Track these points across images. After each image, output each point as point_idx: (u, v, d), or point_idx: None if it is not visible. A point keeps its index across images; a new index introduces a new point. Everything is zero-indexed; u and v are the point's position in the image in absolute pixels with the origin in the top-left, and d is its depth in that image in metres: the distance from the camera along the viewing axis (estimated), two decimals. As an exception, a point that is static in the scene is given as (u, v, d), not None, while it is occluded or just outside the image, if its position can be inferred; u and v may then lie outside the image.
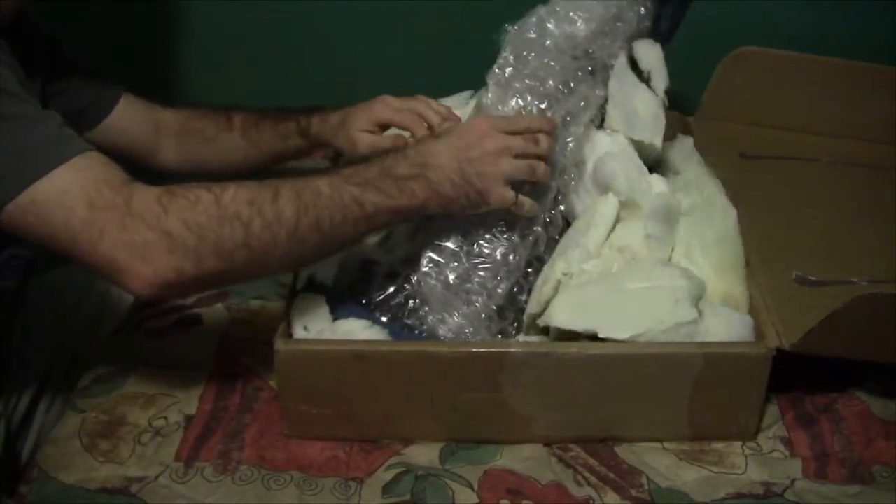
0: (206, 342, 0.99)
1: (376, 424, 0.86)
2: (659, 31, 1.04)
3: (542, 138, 0.86)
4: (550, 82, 0.93)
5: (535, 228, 0.90)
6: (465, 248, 0.89)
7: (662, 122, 0.98)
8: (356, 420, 0.85)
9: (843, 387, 0.91)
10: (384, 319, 0.90)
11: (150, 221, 0.72)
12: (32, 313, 1.05)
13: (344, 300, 0.91)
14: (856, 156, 1.17)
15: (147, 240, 0.71)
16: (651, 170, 0.96)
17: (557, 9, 0.96)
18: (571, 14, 0.96)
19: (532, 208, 0.87)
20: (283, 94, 1.33)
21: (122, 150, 1.02)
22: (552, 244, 0.92)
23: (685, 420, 0.85)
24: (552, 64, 0.94)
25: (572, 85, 0.94)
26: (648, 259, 0.89)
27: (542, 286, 0.87)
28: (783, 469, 0.83)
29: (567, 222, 0.94)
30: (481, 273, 0.88)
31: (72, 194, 0.72)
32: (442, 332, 0.87)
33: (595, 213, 0.91)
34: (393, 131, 1.00)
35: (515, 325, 0.90)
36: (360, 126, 1.00)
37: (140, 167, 1.04)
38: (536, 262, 0.91)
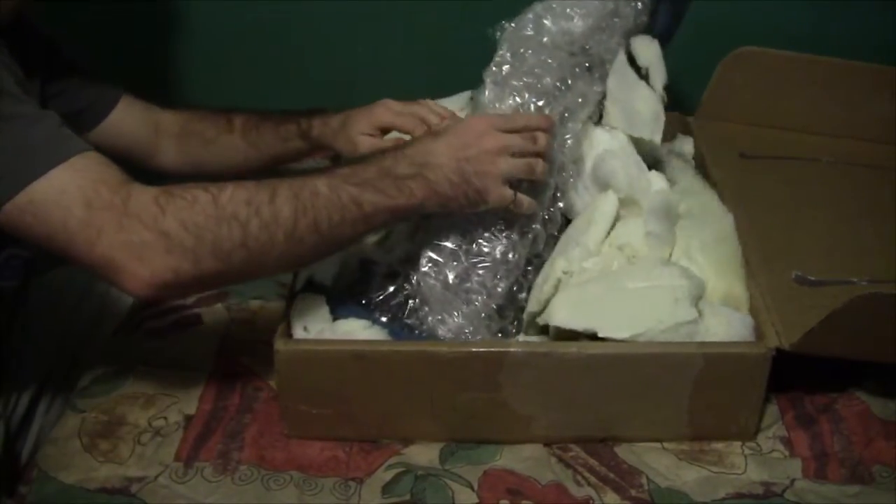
0: (206, 342, 0.99)
1: (376, 424, 0.86)
2: (657, 29, 1.04)
3: (541, 136, 0.86)
4: (548, 79, 0.93)
5: (533, 226, 0.90)
6: (464, 247, 0.89)
7: (662, 119, 0.98)
8: (356, 420, 0.85)
9: (843, 387, 0.91)
10: (384, 319, 0.90)
11: (148, 222, 0.72)
12: (32, 313, 1.05)
13: (344, 300, 0.91)
14: (856, 156, 1.17)
15: (144, 240, 0.71)
16: (649, 167, 0.96)
17: (554, 5, 0.96)
18: (568, 10, 0.96)
19: (531, 206, 0.87)
20: (283, 95, 1.34)
21: (122, 152, 1.02)
22: (551, 241, 0.92)
23: (685, 420, 0.85)
24: (549, 61, 0.93)
25: (570, 82, 0.94)
26: (648, 258, 0.89)
27: (543, 284, 0.87)
28: (783, 469, 0.83)
29: (566, 219, 0.94)
30: (480, 272, 0.88)
31: (70, 194, 0.72)
32: (441, 332, 0.87)
33: (595, 211, 0.91)
34: (394, 135, 1.00)
35: (515, 323, 0.90)
36: (361, 129, 1.00)
37: (140, 168, 1.04)
38: (536, 259, 0.91)
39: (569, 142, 0.92)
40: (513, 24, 0.96)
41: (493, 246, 0.89)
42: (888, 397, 0.90)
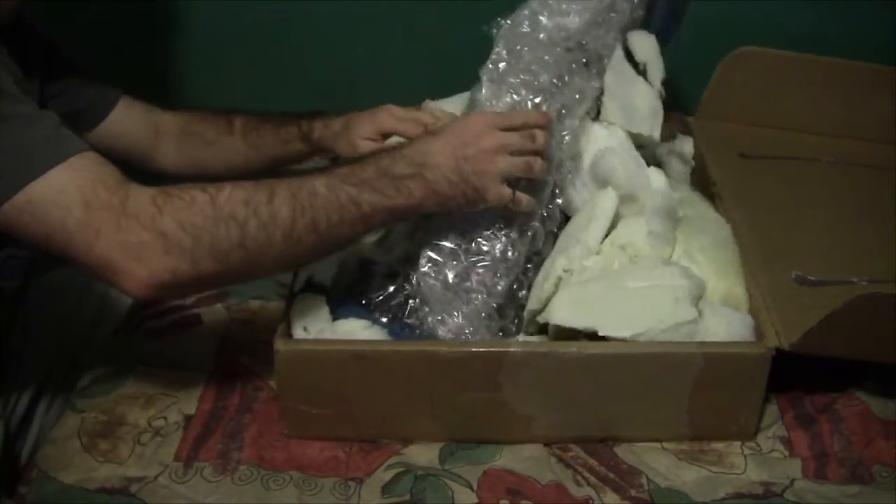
0: (206, 342, 0.99)
1: (376, 424, 0.86)
2: (654, 26, 1.03)
3: (539, 134, 0.86)
4: (544, 76, 0.92)
5: (532, 224, 0.90)
6: (463, 246, 0.89)
7: (660, 114, 0.98)
8: (356, 420, 0.85)
9: (843, 387, 0.91)
10: (384, 320, 0.90)
11: (146, 222, 0.72)
12: (32, 313, 1.05)
13: (343, 300, 0.91)
14: (856, 156, 1.16)
15: (142, 241, 0.71)
16: (648, 164, 0.96)
17: (550, 1, 0.96)
18: (564, 6, 0.96)
19: (529, 204, 0.87)
20: (283, 95, 1.34)
21: (121, 153, 1.02)
22: (550, 238, 0.92)
23: (685, 420, 0.85)
24: (546, 57, 0.93)
25: (566, 78, 0.93)
26: (649, 258, 0.89)
27: (543, 283, 0.87)
28: (783, 469, 0.83)
29: (565, 216, 0.94)
30: (480, 271, 0.88)
31: (68, 194, 0.72)
32: (442, 332, 0.87)
33: (595, 208, 0.91)
34: (395, 139, 1.00)
35: (516, 321, 0.90)
36: (363, 133, 1.00)
37: (140, 169, 1.04)
38: (535, 257, 0.91)
39: (566, 138, 0.92)
40: (508, 21, 0.96)
41: (493, 244, 0.89)
42: (888, 397, 0.90)
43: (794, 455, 0.84)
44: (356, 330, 0.87)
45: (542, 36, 0.94)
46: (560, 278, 0.87)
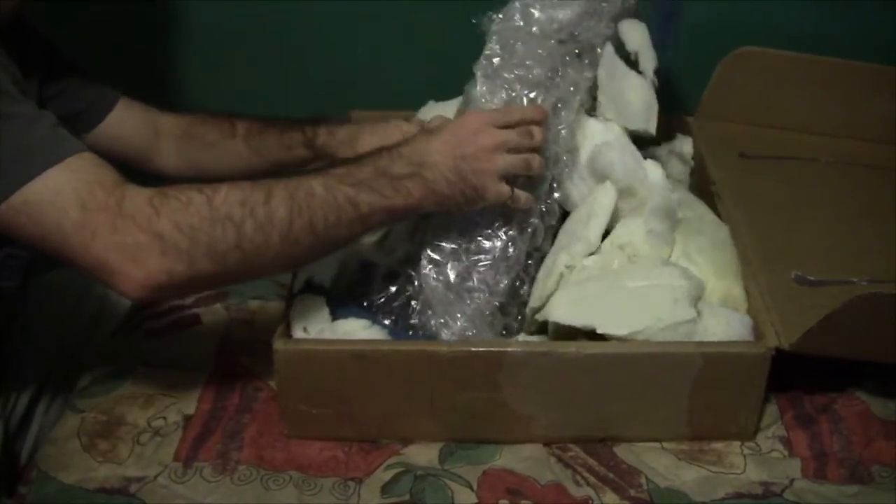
0: (206, 342, 0.99)
1: (376, 424, 0.86)
2: (655, 27, 1.03)
3: (536, 130, 0.85)
4: (538, 70, 0.92)
5: (532, 220, 0.90)
6: (463, 245, 0.89)
7: (655, 107, 0.98)
8: (356, 420, 0.85)
9: (843, 387, 0.91)
10: (386, 322, 0.90)
11: (142, 223, 0.72)
12: (32, 314, 1.05)
13: (343, 301, 0.91)
14: (856, 156, 1.16)
15: (139, 242, 0.71)
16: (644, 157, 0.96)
17: None
18: None
19: (528, 201, 0.87)
20: (283, 95, 1.34)
21: (120, 154, 1.02)
22: (550, 233, 0.92)
23: (684, 420, 0.85)
24: (539, 51, 0.92)
25: (560, 71, 0.93)
26: (648, 258, 0.89)
27: (545, 280, 0.87)
28: (782, 469, 0.83)
29: (563, 210, 0.94)
30: (482, 269, 0.88)
31: (64, 195, 0.72)
32: (445, 334, 0.87)
33: (595, 204, 0.90)
34: None
35: (519, 318, 0.90)
36: (368, 146, 1.00)
37: (140, 171, 1.04)
38: (535, 253, 0.91)
39: (563, 132, 0.92)
40: (500, 16, 0.95)
41: (493, 242, 0.89)
42: (888, 397, 0.89)
43: (793, 455, 0.84)
44: (356, 330, 0.87)
45: (534, 29, 0.94)
46: (562, 275, 0.87)
